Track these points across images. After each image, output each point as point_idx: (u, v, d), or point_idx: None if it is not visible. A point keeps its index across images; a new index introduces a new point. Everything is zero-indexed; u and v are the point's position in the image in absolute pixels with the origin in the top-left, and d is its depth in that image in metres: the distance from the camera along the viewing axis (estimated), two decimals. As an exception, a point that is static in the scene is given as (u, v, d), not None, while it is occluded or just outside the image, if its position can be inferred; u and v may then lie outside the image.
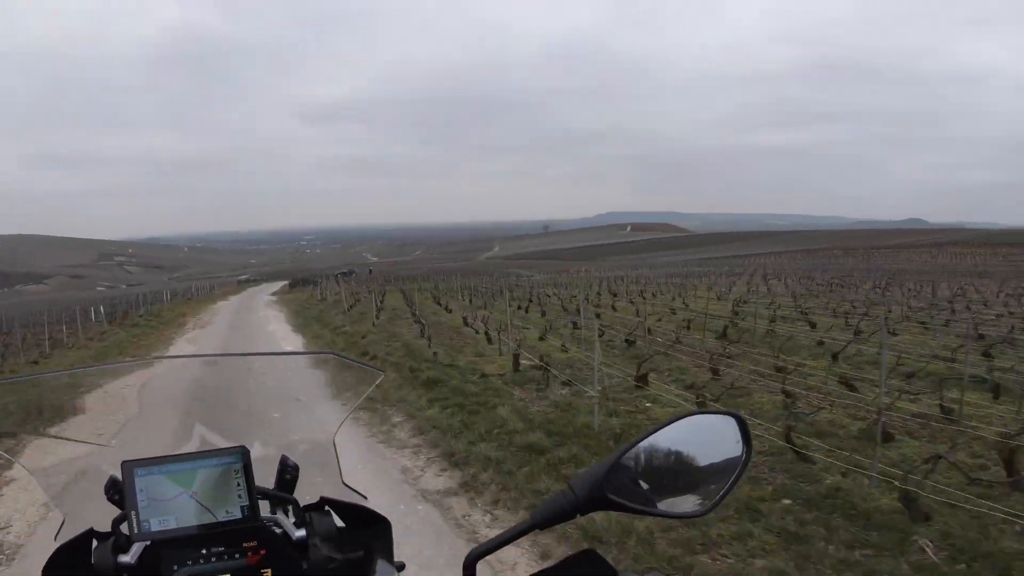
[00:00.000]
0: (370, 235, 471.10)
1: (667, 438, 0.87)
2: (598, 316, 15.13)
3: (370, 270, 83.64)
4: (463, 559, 0.85)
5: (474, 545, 0.93)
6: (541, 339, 13.44)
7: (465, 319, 17.14)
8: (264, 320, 23.26)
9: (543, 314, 19.23)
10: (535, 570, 0.87)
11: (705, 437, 0.89)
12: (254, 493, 1.03)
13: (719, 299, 25.24)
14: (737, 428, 0.91)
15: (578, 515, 0.86)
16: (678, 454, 0.87)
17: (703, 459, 0.87)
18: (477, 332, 14.66)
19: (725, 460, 0.88)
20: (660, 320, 17.14)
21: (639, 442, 0.87)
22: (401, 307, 23.02)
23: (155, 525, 0.99)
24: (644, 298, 24.52)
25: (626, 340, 12.80)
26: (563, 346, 11.96)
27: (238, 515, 1.02)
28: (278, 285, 54.44)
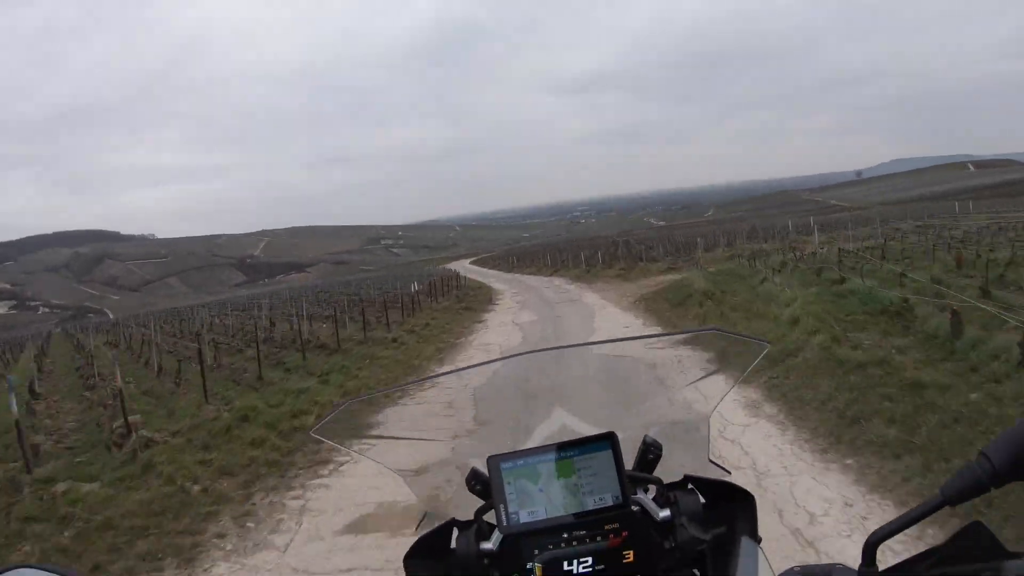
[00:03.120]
0: (643, 202, 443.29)
1: None
2: None
3: None
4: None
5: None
6: None
7: None
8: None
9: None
10: (921, 550, 0.80)
11: None
12: (624, 478, 1.01)
13: None
14: None
15: (993, 488, 0.77)
16: None
17: None
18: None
19: None
20: None
21: None
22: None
23: (524, 516, 1.00)
24: None
25: None
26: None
27: (609, 502, 1.00)
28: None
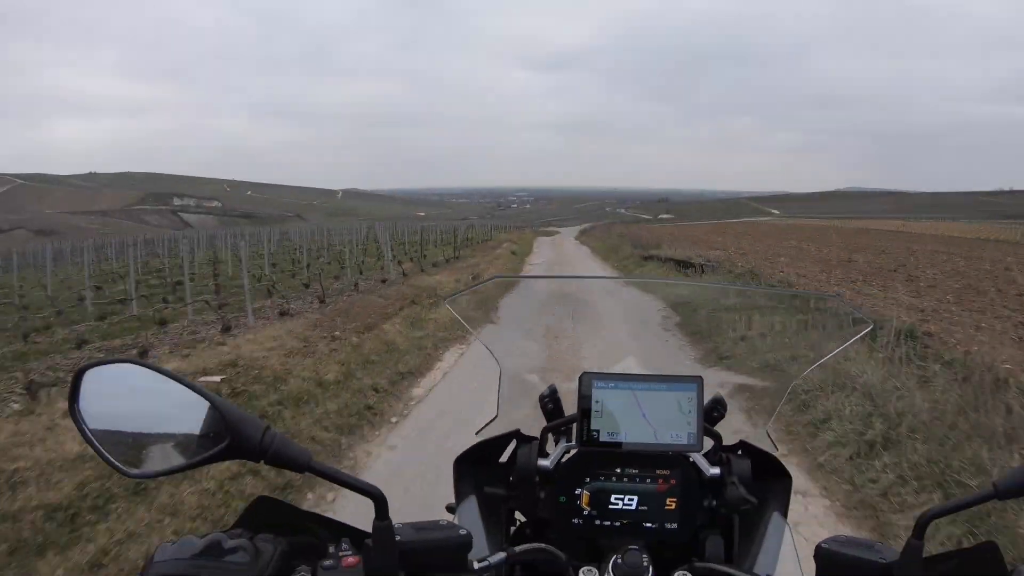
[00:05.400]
0: (590, 196, 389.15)
1: None
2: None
3: None
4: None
5: None
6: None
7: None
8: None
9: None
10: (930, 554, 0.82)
11: None
12: (701, 423, 1.04)
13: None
14: None
15: None
16: None
17: None
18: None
19: None
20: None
21: None
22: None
23: (603, 436, 1.03)
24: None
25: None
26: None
27: (684, 440, 1.03)
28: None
